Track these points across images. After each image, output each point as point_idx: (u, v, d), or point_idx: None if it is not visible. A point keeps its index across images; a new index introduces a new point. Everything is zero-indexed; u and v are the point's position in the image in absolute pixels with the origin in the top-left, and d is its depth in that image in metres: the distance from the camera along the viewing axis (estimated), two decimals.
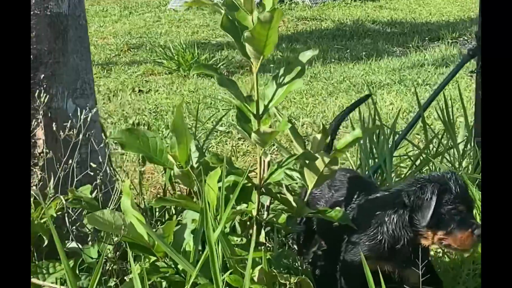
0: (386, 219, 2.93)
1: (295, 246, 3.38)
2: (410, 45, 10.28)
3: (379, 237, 2.94)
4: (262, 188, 2.97)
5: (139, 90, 8.27)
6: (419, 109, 4.50)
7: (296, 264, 3.06)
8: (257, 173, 2.96)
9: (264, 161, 2.96)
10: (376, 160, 4.43)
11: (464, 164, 4.61)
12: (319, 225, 3.26)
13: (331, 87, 8.08)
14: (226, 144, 6.12)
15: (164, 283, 2.97)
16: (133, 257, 2.98)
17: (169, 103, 7.54)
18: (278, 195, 3.05)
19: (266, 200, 3.13)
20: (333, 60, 9.58)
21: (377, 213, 2.96)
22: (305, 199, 3.04)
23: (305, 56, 2.77)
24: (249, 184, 3.00)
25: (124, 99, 7.69)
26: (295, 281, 2.73)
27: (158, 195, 4.27)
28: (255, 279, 2.78)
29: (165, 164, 3.02)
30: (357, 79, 8.42)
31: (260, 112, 2.81)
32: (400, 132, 4.65)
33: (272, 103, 2.79)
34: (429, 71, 8.61)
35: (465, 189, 2.88)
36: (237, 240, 3.00)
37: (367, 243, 2.96)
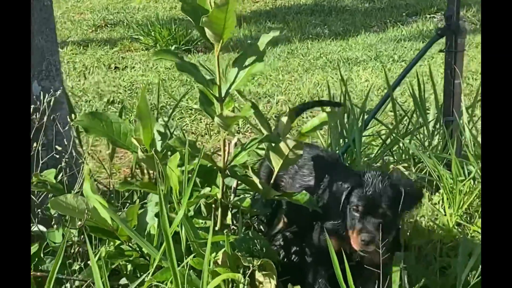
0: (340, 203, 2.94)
1: (262, 228, 3.39)
2: (388, 21, 10.26)
3: (338, 219, 2.94)
4: (227, 171, 2.97)
5: (115, 67, 8.22)
6: (388, 89, 4.51)
7: (261, 246, 3.08)
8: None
9: (228, 143, 2.96)
10: (347, 140, 4.44)
11: (435, 142, 4.63)
12: (284, 207, 3.27)
13: (307, 64, 8.06)
14: (201, 122, 6.10)
15: (129, 267, 2.98)
16: (98, 241, 2.99)
17: (145, 80, 7.50)
18: (244, 177, 3.06)
19: (232, 182, 3.14)
20: (310, 36, 9.55)
21: (335, 195, 2.98)
22: (272, 181, 3.04)
23: (266, 38, 2.76)
24: (215, 167, 3.00)
25: (99, 76, 7.65)
26: (258, 263, 2.75)
27: (130, 176, 4.26)
28: (219, 262, 2.80)
29: (130, 147, 3.01)
30: (334, 55, 8.40)
31: (223, 95, 2.81)
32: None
33: (233, 86, 2.79)
34: (405, 47, 8.61)
35: (377, 192, 2.85)
36: (202, 223, 3.01)
37: (328, 224, 2.97)
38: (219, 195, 2.96)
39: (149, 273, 2.74)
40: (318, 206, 2.93)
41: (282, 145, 2.85)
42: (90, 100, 6.71)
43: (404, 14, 10.72)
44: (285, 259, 3.24)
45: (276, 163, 2.93)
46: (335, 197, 2.90)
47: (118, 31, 10.11)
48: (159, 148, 2.95)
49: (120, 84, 7.32)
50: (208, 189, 2.91)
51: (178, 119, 6.10)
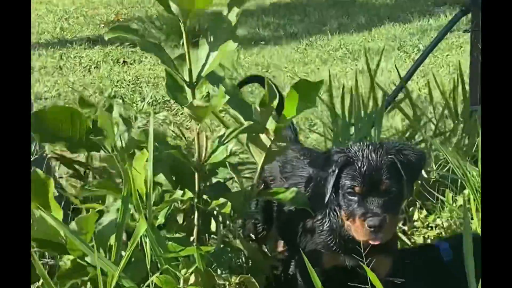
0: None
1: (251, 236, 2.90)
2: (414, 10, 9.76)
3: (326, 222, 2.44)
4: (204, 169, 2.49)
5: (123, 61, 7.87)
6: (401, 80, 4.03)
7: (247, 258, 2.60)
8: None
9: (205, 138, 2.47)
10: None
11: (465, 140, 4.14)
12: (273, 212, 2.79)
13: (326, 55, 7.63)
14: None
15: (88, 285, 2.52)
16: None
17: (151, 74, 7.12)
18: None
19: None
20: (331, 27, 9.11)
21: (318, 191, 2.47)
22: (255, 180, 2.54)
23: (234, 12, 2.29)
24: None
25: (105, 70, 7.27)
26: (237, 281, 2.27)
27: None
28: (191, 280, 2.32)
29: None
30: (355, 46, 7.95)
31: (194, 80, 2.33)
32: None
33: (206, 69, 2.31)
34: (431, 37, 8.09)
35: (374, 165, 2.30)
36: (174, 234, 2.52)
37: (320, 230, 2.47)
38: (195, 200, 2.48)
39: None
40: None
41: (262, 135, 2.36)
42: (91, 95, 6.30)
43: (430, 3, 10.23)
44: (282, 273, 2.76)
45: (259, 156, 2.44)
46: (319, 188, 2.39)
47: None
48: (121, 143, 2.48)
49: (124, 78, 6.93)
50: (180, 192, 2.42)
51: (181, 114, 5.70)
